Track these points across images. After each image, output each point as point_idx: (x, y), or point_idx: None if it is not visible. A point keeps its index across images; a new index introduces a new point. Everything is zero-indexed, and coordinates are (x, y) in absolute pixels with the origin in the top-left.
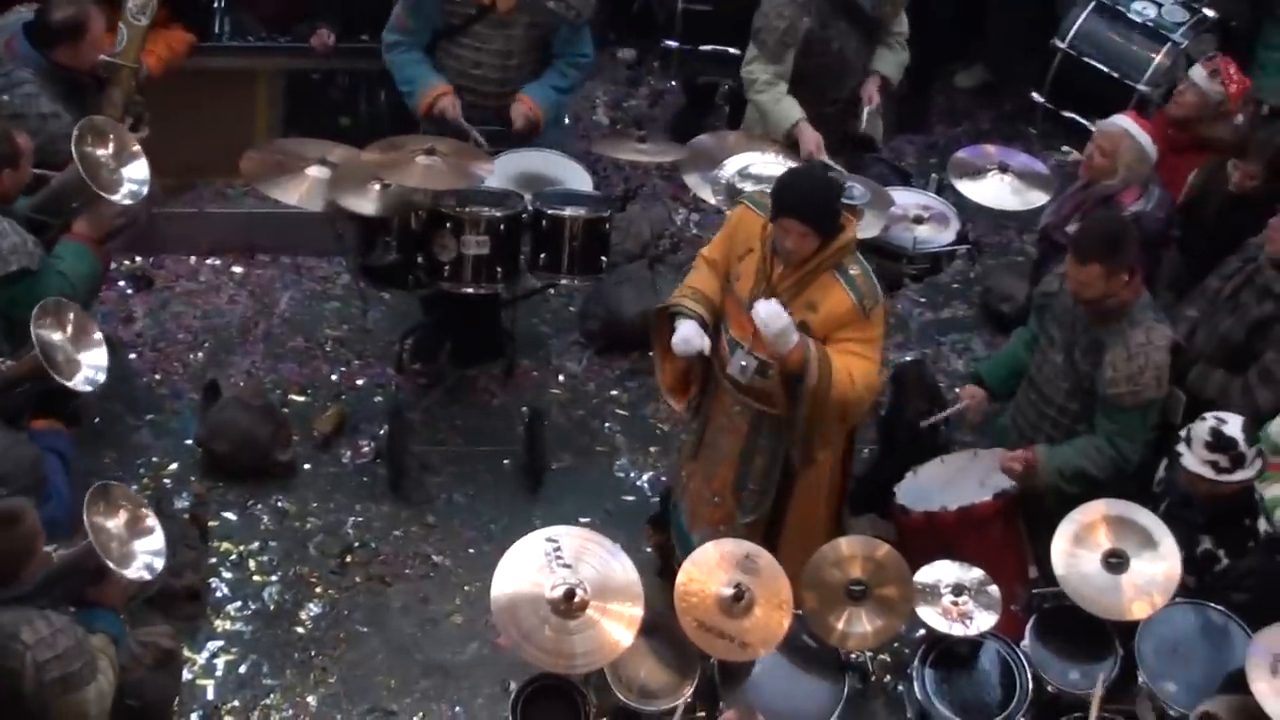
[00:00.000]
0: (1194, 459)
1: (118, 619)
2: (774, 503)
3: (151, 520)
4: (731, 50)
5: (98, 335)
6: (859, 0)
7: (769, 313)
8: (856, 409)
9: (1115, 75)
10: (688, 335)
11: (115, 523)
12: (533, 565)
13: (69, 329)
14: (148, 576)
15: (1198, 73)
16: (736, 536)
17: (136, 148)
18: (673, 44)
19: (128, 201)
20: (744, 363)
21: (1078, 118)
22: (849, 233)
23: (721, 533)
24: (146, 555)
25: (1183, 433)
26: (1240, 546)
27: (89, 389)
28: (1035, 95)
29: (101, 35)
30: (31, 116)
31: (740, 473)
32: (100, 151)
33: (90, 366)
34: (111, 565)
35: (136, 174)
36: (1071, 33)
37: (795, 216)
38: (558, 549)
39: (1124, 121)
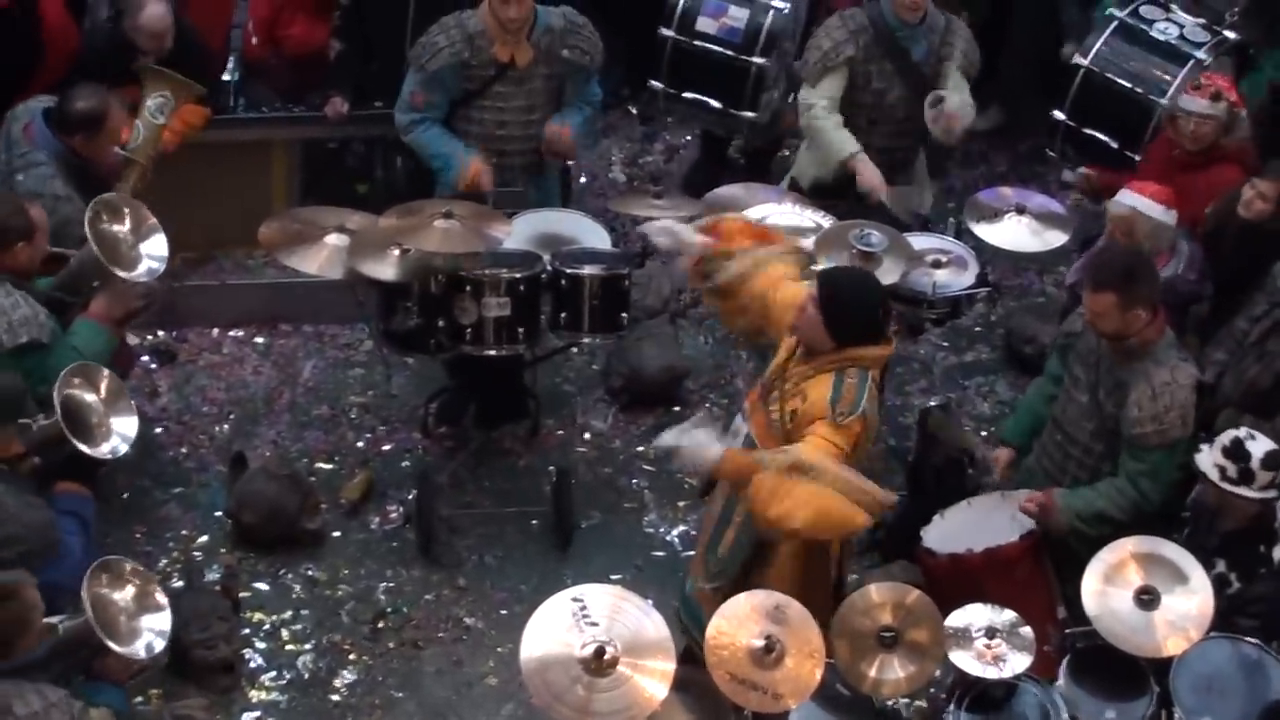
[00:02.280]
0: (1207, 458)
1: (122, 693)
2: (735, 582)
3: (161, 597)
4: (713, 103)
5: (130, 402)
6: (908, 46)
7: (691, 441)
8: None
9: (1138, 93)
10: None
11: (122, 596)
12: (561, 625)
13: (102, 392)
14: (143, 656)
15: (1198, 104)
16: (701, 597)
17: (153, 222)
18: (658, 85)
19: (144, 278)
20: (739, 430)
21: (1099, 135)
22: (868, 351)
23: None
24: (151, 633)
25: (1203, 441)
26: (1253, 572)
27: (110, 457)
28: (1056, 113)
29: (119, 129)
30: (46, 198)
31: (713, 535)
32: (117, 228)
33: (118, 435)
34: (109, 643)
35: (155, 250)
36: (1094, 51)
37: (819, 308)
38: (584, 608)
39: (1130, 200)
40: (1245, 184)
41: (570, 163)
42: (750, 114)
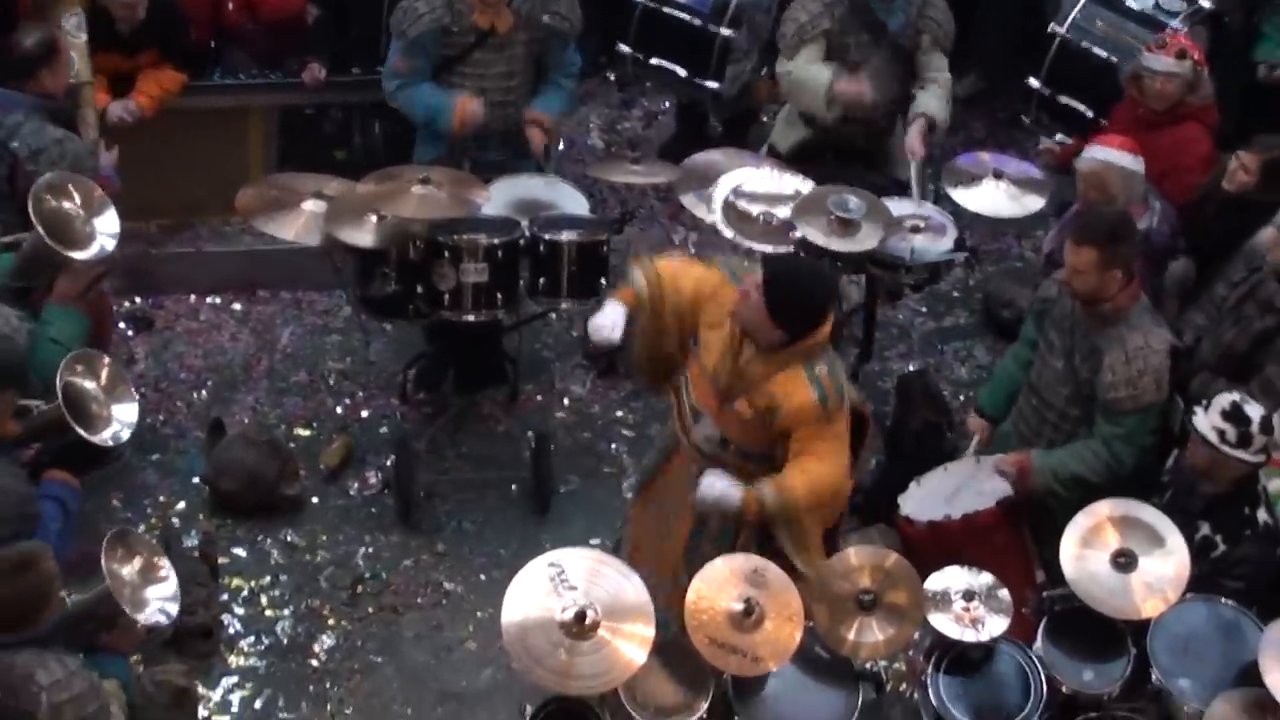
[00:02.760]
0: (1205, 421)
1: (126, 665)
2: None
3: (165, 567)
4: (679, 70)
5: (130, 389)
6: (885, 19)
7: (708, 488)
8: (829, 514)
9: (1113, 61)
10: (603, 324)
11: (130, 569)
12: (540, 590)
13: (103, 379)
14: (164, 621)
15: (1163, 63)
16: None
17: (102, 195)
18: (625, 49)
19: (98, 257)
20: (707, 433)
21: (1075, 104)
22: (824, 330)
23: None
24: (159, 601)
25: (1205, 400)
26: (1238, 534)
27: (112, 444)
28: (1032, 81)
29: (67, 53)
30: (49, 146)
31: (693, 531)
32: (66, 205)
33: (119, 421)
34: (129, 613)
35: (107, 226)
36: (1070, 19)
37: (763, 294)
38: (561, 573)
39: (1098, 153)
40: (1226, 155)
41: None
42: (714, 84)
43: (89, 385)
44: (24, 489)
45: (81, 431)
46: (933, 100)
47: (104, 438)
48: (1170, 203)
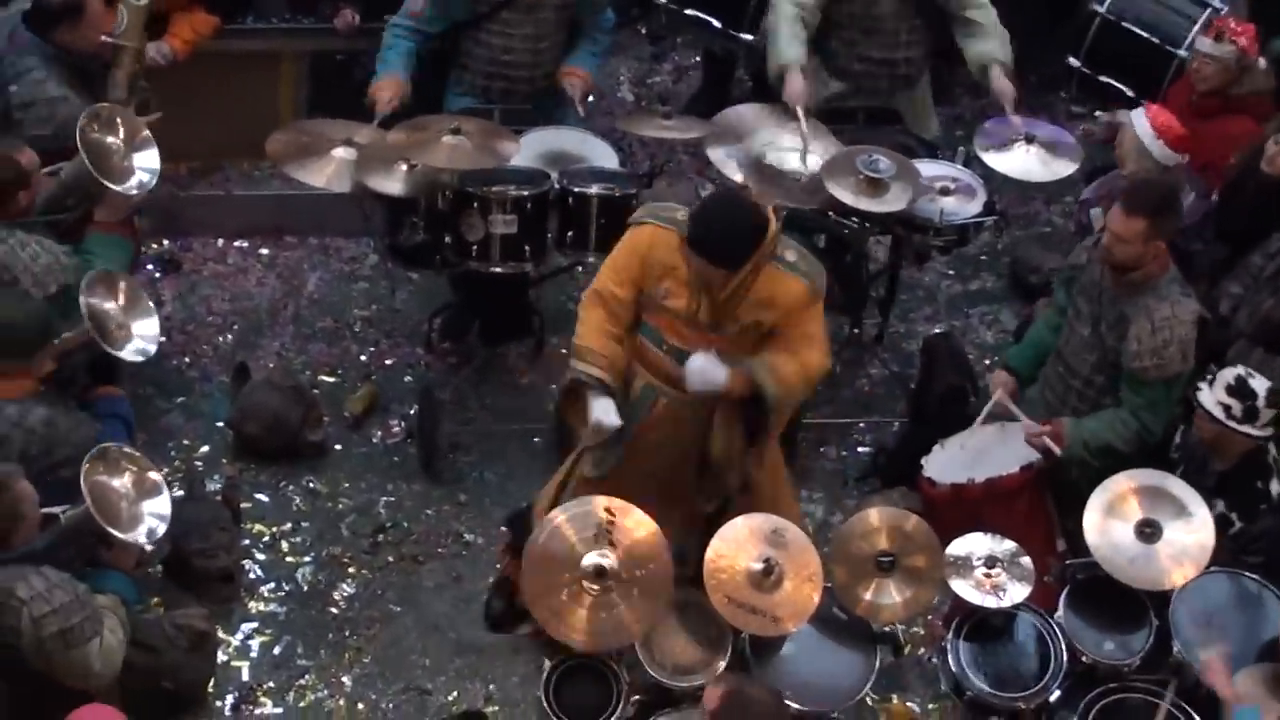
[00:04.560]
0: (1210, 397)
1: (130, 581)
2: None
3: (158, 481)
4: (713, 21)
5: (149, 304)
6: None
7: (700, 369)
8: (807, 396)
9: (1155, 41)
10: (602, 418)
11: (121, 482)
12: (584, 528)
13: (120, 299)
14: (144, 541)
15: (1204, 44)
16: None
17: (147, 134)
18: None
19: (136, 191)
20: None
21: (1114, 83)
22: (773, 228)
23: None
24: (153, 518)
25: (1208, 374)
26: (1253, 509)
27: (140, 359)
28: (1072, 60)
29: (101, 15)
30: (40, 103)
31: (695, 467)
32: (110, 139)
33: (141, 336)
34: (109, 529)
35: (147, 162)
36: None
37: (705, 257)
38: (610, 522)
39: (1132, 116)
40: (1264, 138)
41: None
42: (749, 36)
43: (108, 305)
44: (91, 432)
45: (112, 350)
46: (991, 43)
47: (128, 352)
48: (1207, 189)
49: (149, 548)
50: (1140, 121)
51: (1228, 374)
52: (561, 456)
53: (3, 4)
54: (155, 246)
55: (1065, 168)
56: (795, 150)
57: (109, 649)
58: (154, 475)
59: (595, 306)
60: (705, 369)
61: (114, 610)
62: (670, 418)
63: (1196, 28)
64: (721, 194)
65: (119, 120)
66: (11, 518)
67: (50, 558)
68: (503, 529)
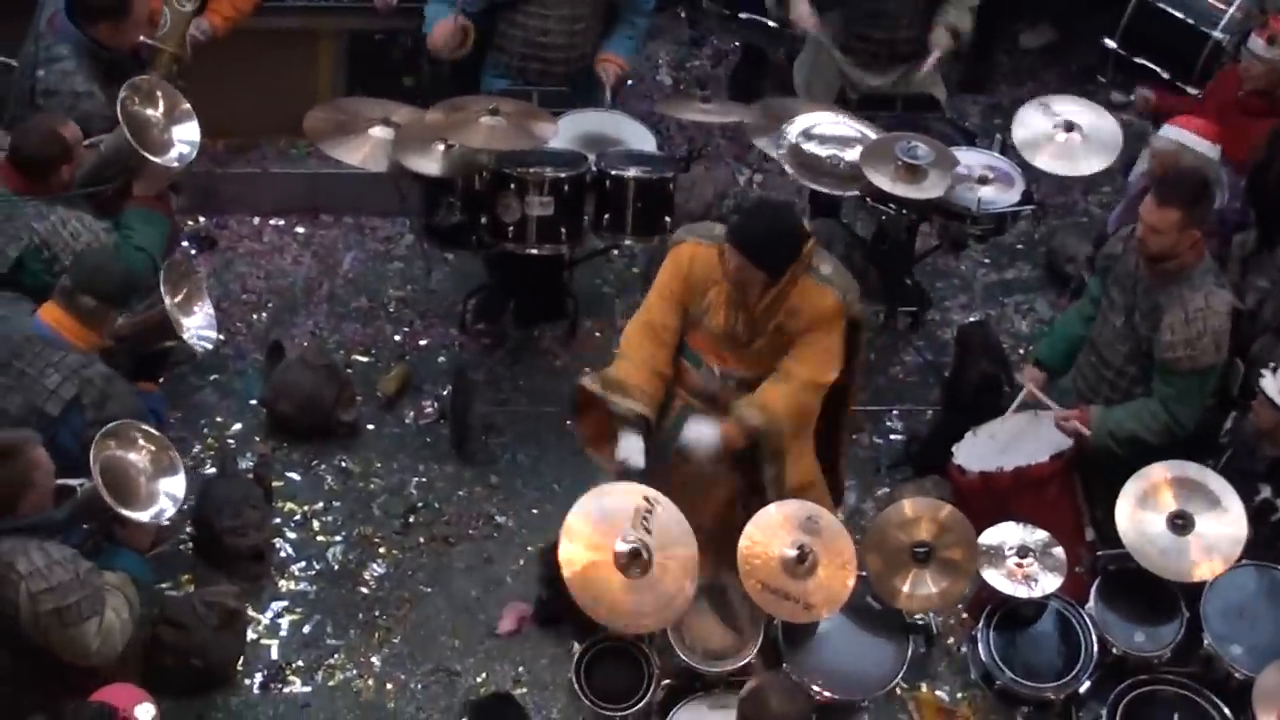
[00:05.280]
0: (1275, 384)
1: (143, 561)
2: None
3: (175, 457)
4: (769, 23)
5: (205, 298)
6: None
7: (696, 439)
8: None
9: (1190, 23)
10: (627, 459)
11: (138, 458)
12: (621, 511)
13: (181, 295)
14: (148, 520)
15: (1256, 44)
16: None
17: (186, 107)
18: (712, 6)
19: (175, 164)
20: (708, 379)
21: (1150, 64)
22: (811, 241)
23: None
24: (166, 498)
25: (1272, 364)
26: None
27: (207, 347)
28: (1107, 41)
29: (145, 16)
30: (64, 94)
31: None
32: (149, 111)
33: (197, 327)
34: (116, 506)
35: (187, 135)
36: None
37: (747, 257)
38: (650, 511)
39: (1175, 134)
40: None
41: None
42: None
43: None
44: (142, 405)
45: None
46: (949, 14)
47: (192, 340)
48: (1236, 174)
49: (164, 521)
50: (1188, 137)
51: None
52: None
53: None
54: (191, 224)
55: (1102, 162)
56: (834, 137)
57: (109, 628)
58: (172, 453)
59: (644, 339)
60: (700, 436)
61: (121, 589)
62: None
63: (1232, 9)
64: (768, 200)
65: (159, 93)
66: (20, 483)
67: (62, 530)
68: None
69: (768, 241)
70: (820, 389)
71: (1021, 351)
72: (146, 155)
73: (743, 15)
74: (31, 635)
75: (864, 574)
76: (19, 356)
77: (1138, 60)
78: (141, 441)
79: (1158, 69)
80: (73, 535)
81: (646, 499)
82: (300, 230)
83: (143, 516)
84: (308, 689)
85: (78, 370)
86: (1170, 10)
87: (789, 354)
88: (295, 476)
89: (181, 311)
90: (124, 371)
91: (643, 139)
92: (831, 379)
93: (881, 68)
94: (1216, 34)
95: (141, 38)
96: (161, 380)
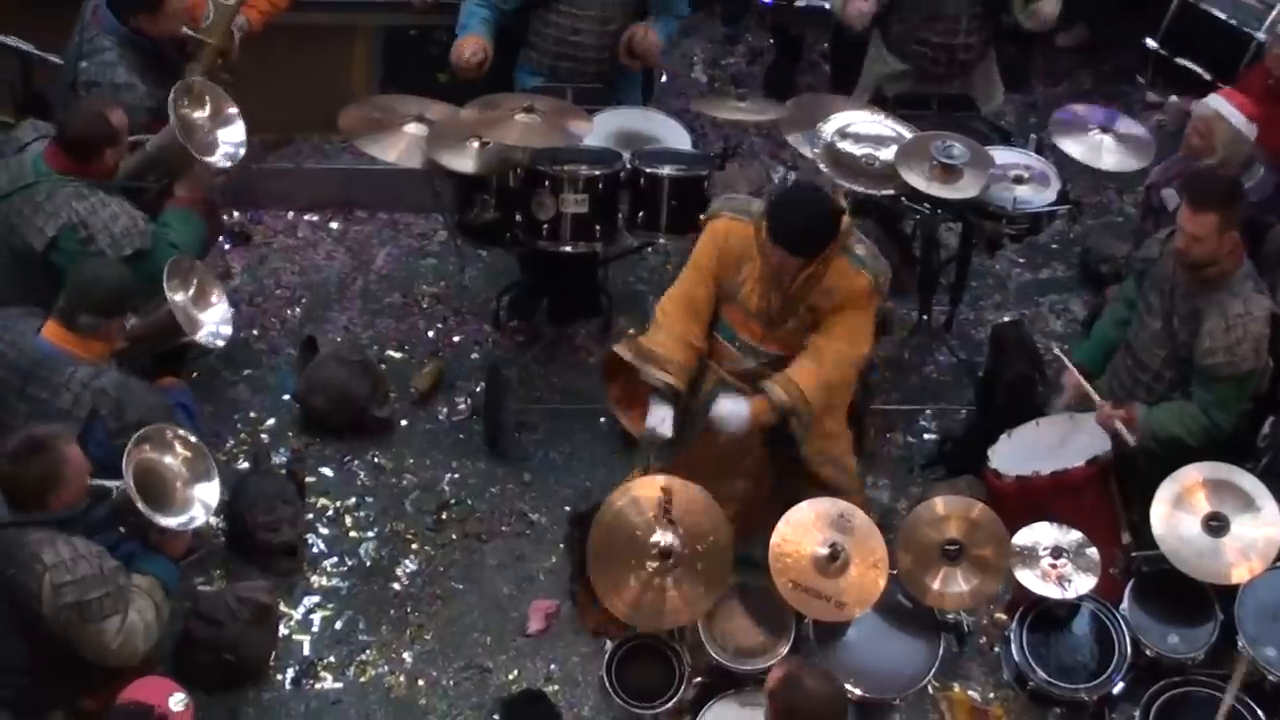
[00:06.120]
0: None
1: (173, 567)
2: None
3: (211, 464)
4: (826, 6)
5: (219, 294)
6: None
7: (726, 415)
8: (842, 395)
9: (1233, 24)
10: (656, 427)
11: (175, 463)
12: (644, 510)
13: (192, 289)
14: (176, 526)
15: None
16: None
17: (233, 109)
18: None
19: (224, 164)
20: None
21: (1192, 65)
22: (846, 218)
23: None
24: (199, 505)
25: None
26: None
27: (220, 344)
28: (1149, 41)
29: (181, 8)
30: (105, 85)
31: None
32: (197, 114)
33: (214, 323)
34: (148, 512)
35: (233, 137)
36: None
37: (785, 247)
38: (668, 501)
39: (1216, 103)
40: None
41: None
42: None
43: (178, 297)
44: (164, 401)
45: (190, 335)
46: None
47: (204, 337)
48: (1274, 171)
49: (199, 522)
50: (1227, 108)
51: None
52: (628, 437)
53: None
54: (226, 218)
55: (1138, 162)
56: (870, 136)
57: (131, 630)
58: (208, 460)
59: (679, 311)
60: (729, 412)
61: (149, 593)
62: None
63: (1276, 11)
64: (799, 185)
65: (207, 96)
66: (52, 478)
67: (110, 530)
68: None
69: (804, 229)
70: (853, 365)
71: (1056, 351)
72: (197, 156)
73: (799, 3)
74: (53, 628)
75: (894, 572)
76: (31, 381)
77: (1179, 61)
78: (178, 446)
79: (1200, 70)
80: (104, 536)
81: (663, 489)
82: (334, 226)
83: (172, 523)
84: (339, 685)
85: (88, 384)
86: (1214, 11)
87: (819, 330)
88: (328, 472)
89: (196, 307)
90: (142, 371)
91: (678, 137)
92: (864, 354)
93: (939, 78)
94: (1260, 35)
95: (186, 30)
96: (196, 375)
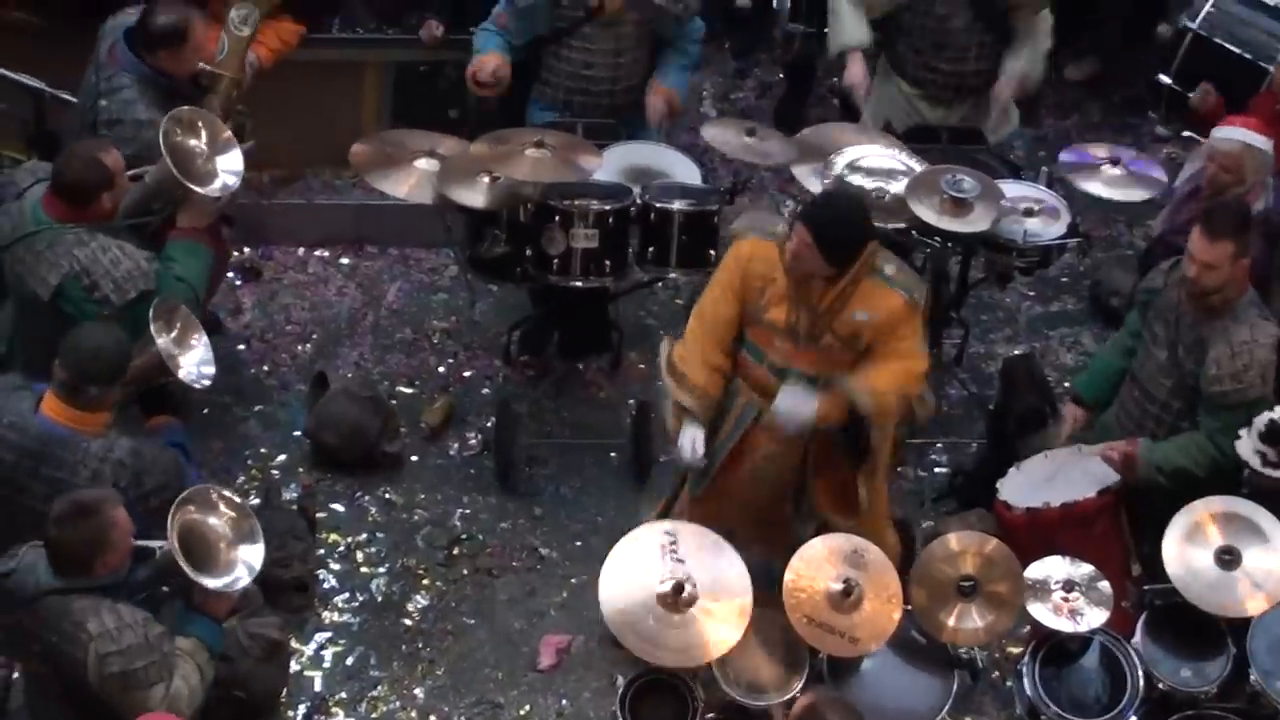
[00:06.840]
0: (1246, 445)
1: (217, 628)
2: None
3: (255, 525)
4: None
5: (199, 337)
6: None
7: (789, 409)
8: (910, 405)
9: (1248, 58)
10: (686, 447)
11: (220, 524)
12: (649, 555)
13: (175, 330)
14: (218, 587)
15: None
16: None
17: (229, 136)
18: (797, 28)
19: (220, 194)
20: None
21: None
22: (874, 242)
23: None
24: (244, 566)
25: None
26: None
27: (205, 383)
28: (1162, 77)
29: (203, 43)
30: (127, 123)
31: (795, 489)
32: (192, 142)
33: (193, 364)
34: (187, 568)
35: (230, 164)
36: (1202, 14)
37: (812, 234)
38: (674, 542)
39: (1239, 135)
40: None
41: None
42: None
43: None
44: (173, 456)
45: (178, 376)
46: (1018, 61)
47: (188, 378)
48: None
49: (244, 584)
50: (1248, 135)
51: (1261, 420)
52: (639, 472)
53: (113, 12)
54: (236, 254)
55: (1147, 194)
56: (880, 169)
57: (176, 696)
58: (252, 521)
59: (702, 332)
60: (794, 406)
61: (193, 655)
62: (770, 434)
63: None
64: (845, 187)
65: (201, 123)
66: (100, 543)
67: (139, 592)
68: None
69: (836, 224)
70: (917, 380)
71: (1066, 384)
72: (191, 186)
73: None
74: (97, 694)
75: (909, 607)
76: (45, 462)
77: (1191, 95)
78: (222, 507)
79: None
80: (151, 595)
81: (666, 532)
82: (345, 261)
83: (216, 584)
84: None
85: (105, 459)
86: (1228, 45)
87: (869, 355)
88: (339, 508)
89: (178, 348)
90: (127, 415)
91: (688, 171)
92: (924, 369)
93: (949, 102)
94: (1273, 69)
95: (201, 64)
96: (206, 411)
